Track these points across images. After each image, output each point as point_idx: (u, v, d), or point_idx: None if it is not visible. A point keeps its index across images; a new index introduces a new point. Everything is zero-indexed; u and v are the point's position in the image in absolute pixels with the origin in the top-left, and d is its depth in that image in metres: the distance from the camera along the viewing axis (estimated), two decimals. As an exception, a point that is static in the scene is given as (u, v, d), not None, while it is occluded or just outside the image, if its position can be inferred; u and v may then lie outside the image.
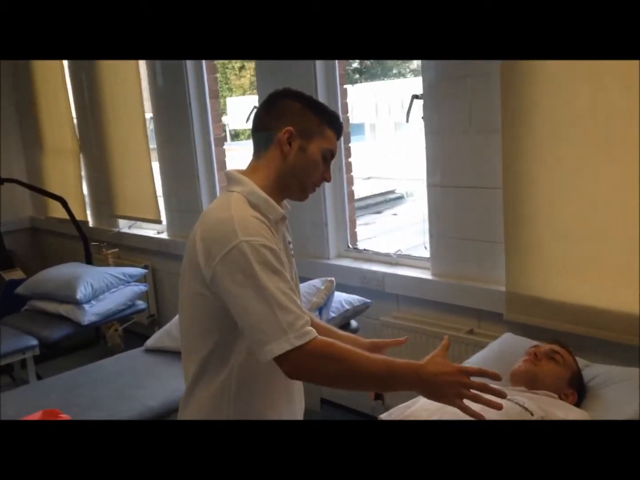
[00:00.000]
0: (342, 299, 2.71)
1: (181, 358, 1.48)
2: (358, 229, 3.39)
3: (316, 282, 2.63)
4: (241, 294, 1.28)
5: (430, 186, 2.79)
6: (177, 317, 2.96)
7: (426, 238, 2.94)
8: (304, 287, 2.64)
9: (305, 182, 1.45)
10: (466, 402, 1.25)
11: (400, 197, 8.85)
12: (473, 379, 1.27)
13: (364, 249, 3.24)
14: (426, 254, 2.95)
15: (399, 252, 3.09)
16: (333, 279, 2.66)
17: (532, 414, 1.53)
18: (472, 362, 2.09)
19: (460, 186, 2.68)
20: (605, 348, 2.26)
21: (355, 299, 2.74)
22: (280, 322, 1.25)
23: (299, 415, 1.53)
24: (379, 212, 8.31)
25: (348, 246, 3.30)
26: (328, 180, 1.48)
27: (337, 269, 3.17)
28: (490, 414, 1.50)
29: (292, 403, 1.50)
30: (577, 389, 1.78)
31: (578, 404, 1.76)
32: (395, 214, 8.42)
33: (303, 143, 1.41)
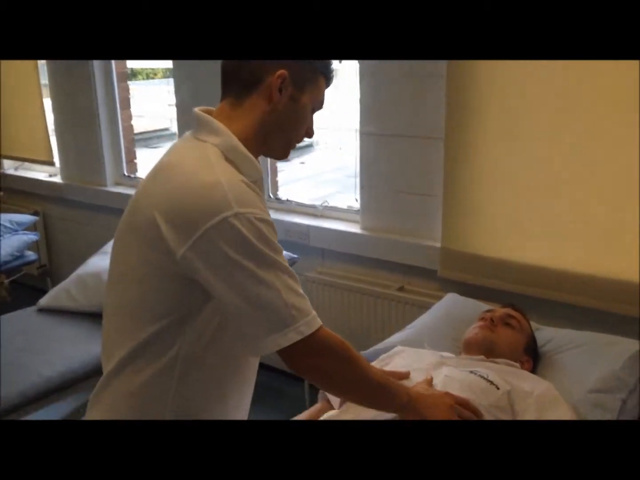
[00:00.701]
0: (267, 254, 2.46)
1: (103, 331, 1.21)
2: (266, 178, 3.13)
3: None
4: (236, 276, 1.05)
5: (364, 134, 2.58)
6: (75, 274, 2.64)
7: (336, 188, 2.75)
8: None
9: (290, 137, 1.21)
10: None
11: (309, 146, 8.63)
12: None
13: (287, 200, 3.01)
14: (355, 205, 2.76)
15: (325, 204, 2.88)
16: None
17: (498, 388, 1.38)
18: (419, 324, 1.93)
19: (397, 135, 2.48)
20: (550, 308, 2.18)
21: (280, 254, 2.50)
22: (288, 307, 1.06)
23: (247, 408, 1.32)
24: (287, 160, 8.06)
25: (269, 196, 3.05)
26: (311, 136, 1.25)
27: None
28: (453, 389, 1.35)
29: (244, 397, 1.28)
30: (532, 355, 1.66)
31: (533, 370, 1.65)
32: (303, 162, 8.22)
33: (295, 92, 1.16)
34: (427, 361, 1.51)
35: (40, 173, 4.10)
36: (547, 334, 1.80)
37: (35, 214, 3.90)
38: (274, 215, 2.94)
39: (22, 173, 4.20)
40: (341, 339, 1.16)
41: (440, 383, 1.38)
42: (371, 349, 1.80)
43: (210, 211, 1.04)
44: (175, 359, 1.14)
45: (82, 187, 3.71)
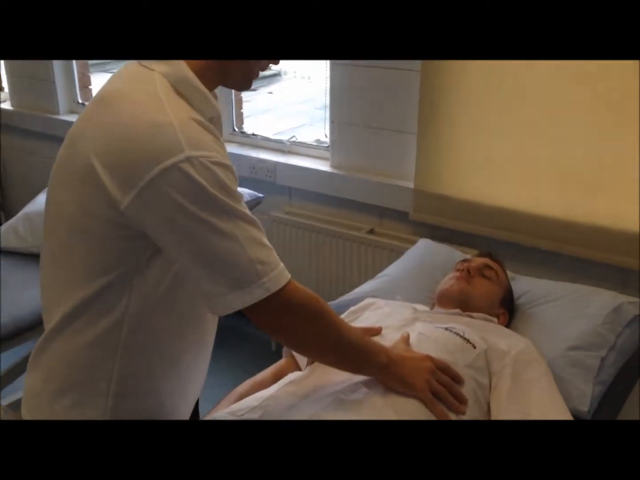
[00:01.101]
0: (230, 193, 2.31)
1: (40, 286, 1.09)
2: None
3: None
4: (191, 229, 0.92)
5: (334, 64, 2.40)
6: (23, 212, 2.46)
7: (305, 120, 2.60)
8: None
9: (252, 64, 1.06)
10: None
11: (277, 75, 8.32)
12: None
13: (253, 134, 2.83)
14: (324, 140, 2.61)
15: (293, 139, 2.72)
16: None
17: (475, 346, 1.30)
18: (391, 273, 1.83)
19: (370, 66, 2.31)
20: (528, 255, 2.10)
21: (245, 193, 2.35)
22: (252, 261, 0.95)
23: (205, 371, 1.21)
24: (253, 90, 7.76)
25: (234, 129, 2.87)
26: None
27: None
28: (428, 347, 1.27)
29: (201, 360, 1.17)
30: (508, 308, 1.58)
31: (508, 324, 1.57)
32: (270, 92, 7.94)
33: None
34: (400, 316, 1.42)
35: (-13, 99, 3.83)
36: (523, 285, 1.72)
37: (-17, 143, 3.66)
38: (238, 150, 2.79)
39: (-32, 98, 3.91)
40: (313, 293, 1.05)
41: (414, 341, 1.29)
42: (340, 299, 1.71)
43: (158, 156, 0.90)
44: (121, 319, 1.02)
45: (33, 115, 3.47)
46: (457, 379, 1.22)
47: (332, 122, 2.48)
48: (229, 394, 1.38)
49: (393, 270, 1.83)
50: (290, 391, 1.19)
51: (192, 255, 0.95)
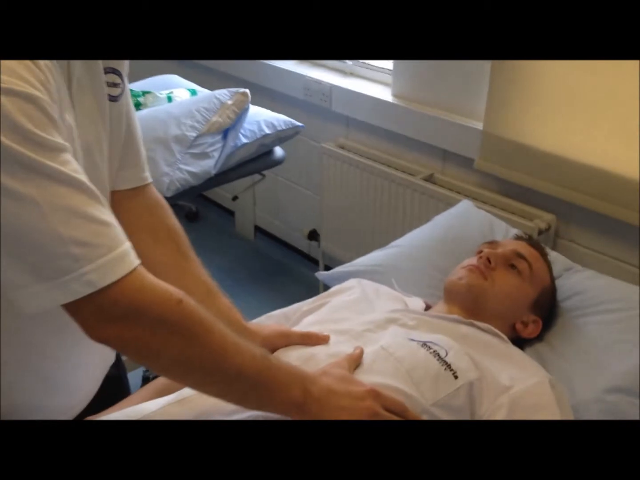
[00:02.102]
0: (263, 120, 1.97)
1: None
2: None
3: (221, 93, 1.87)
4: None
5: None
6: None
7: None
8: (200, 100, 1.90)
9: None
10: None
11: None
12: None
13: (311, 49, 2.43)
14: (388, 64, 2.18)
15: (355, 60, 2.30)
16: (247, 90, 1.90)
17: (456, 376, 0.92)
18: (408, 243, 1.40)
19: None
20: (609, 229, 1.63)
21: (281, 120, 2.00)
22: (63, 240, 0.65)
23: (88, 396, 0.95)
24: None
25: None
26: None
27: (271, 72, 2.40)
28: (384, 371, 0.91)
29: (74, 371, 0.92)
30: (542, 314, 1.16)
31: (540, 335, 1.15)
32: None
33: None
34: (373, 316, 1.05)
35: None
36: (583, 281, 1.25)
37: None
38: (293, 67, 2.40)
39: None
40: (176, 293, 0.72)
41: (369, 359, 0.93)
42: (333, 271, 1.36)
43: None
44: None
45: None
46: None
47: (397, 40, 2.04)
48: (154, 381, 1.11)
49: (410, 240, 1.42)
50: (172, 413, 0.88)
51: None
